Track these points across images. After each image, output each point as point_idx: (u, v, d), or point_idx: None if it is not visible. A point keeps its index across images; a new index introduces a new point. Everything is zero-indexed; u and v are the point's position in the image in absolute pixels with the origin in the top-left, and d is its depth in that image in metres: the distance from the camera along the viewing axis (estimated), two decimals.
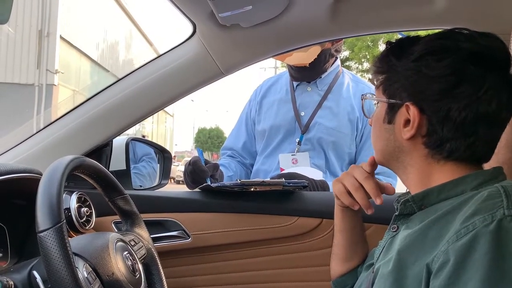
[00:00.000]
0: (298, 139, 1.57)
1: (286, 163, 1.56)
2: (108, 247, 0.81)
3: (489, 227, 0.58)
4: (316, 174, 1.49)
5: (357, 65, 15.38)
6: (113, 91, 1.25)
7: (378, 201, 0.80)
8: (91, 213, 1.09)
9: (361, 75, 13.49)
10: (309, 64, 1.58)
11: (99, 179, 0.92)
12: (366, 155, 1.55)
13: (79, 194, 1.07)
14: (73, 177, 0.85)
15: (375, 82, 0.80)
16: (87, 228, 1.06)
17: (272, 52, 1.24)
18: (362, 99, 0.87)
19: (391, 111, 0.74)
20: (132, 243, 0.93)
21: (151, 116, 1.38)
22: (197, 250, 1.25)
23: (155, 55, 1.32)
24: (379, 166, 0.83)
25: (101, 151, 1.30)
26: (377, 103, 0.79)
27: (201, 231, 1.24)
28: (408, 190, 0.78)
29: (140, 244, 0.96)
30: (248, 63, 1.25)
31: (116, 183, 0.95)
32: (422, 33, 0.80)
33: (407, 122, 0.72)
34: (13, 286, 0.71)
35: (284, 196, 1.25)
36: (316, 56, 1.56)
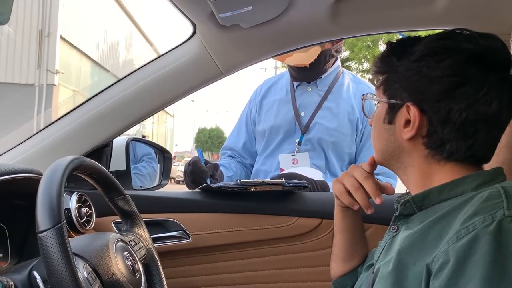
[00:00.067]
0: (298, 140, 1.57)
1: (286, 164, 1.56)
2: (108, 248, 0.81)
3: (489, 228, 0.58)
4: (316, 175, 1.49)
5: (357, 65, 15.37)
6: (113, 92, 1.25)
7: (378, 201, 0.80)
8: (91, 213, 1.09)
9: (361, 75, 13.50)
10: (309, 64, 1.58)
11: (99, 180, 0.92)
12: (366, 156, 1.55)
13: (79, 195, 1.07)
14: (73, 178, 0.85)
15: (375, 83, 0.80)
16: (87, 228, 1.06)
17: (272, 52, 1.24)
18: (362, 99, 0.87)
19: (392, 111, 0.74)
20: (132, 243, 0.93)
21: (151, 116, 1.38)
22: (197, 250, 1.25)
23: (155, 56, 1.31)
24: (379, 167, 0.83)
25: (101, 151, 1.30)
26: (378, 103, 0.79)
27: (201, 231, 1.24)
28: (408, 191, 0.78)
29: (140, 245, 0.96)
30: (248, 63, 1.25)
31: (116, 184, 0.95)
32: (423, 33, 0.80)
33: (407, 122, 0.72)
34: (13, 286, 0.71)
35: (284, 197, 1.25)
36: (316, 57, 1.56)
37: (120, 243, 0.86)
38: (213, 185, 1.24)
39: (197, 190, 1.32)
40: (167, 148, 1.67)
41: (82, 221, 1.05)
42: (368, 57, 14.52)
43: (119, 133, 1.29)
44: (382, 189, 0.85)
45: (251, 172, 1.70)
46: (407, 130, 0.72)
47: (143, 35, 21.91)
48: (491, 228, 0.58)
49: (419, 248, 0.65)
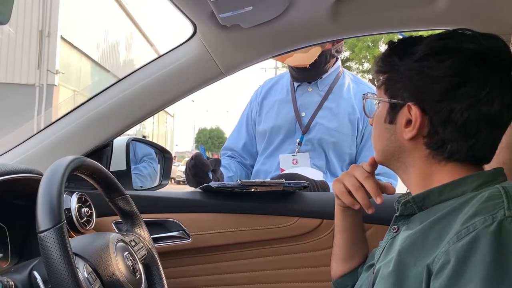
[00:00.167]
0: (299, 140, 1.57)
1: (287, 164, 1.56)
2: (109, 248, 0.81)
3: (489, 228, 0.58)
4: (316, 175, 1.49)
5: (357, 65, 15.38)
6: (113, 92, 1.25)
7: (378, 201, 0.80)
8: (91, 213, 1.09)
9: (362, 75, 13.51)
10: (310, 65, 1.58)
11: (100, 180, 0.92)
12: (367, 156, 1.55)
13: (80, 195, 1.07)
14: (73, 178, 0.85)
15: (375, 83, 0.80)
16: (87, 228, 1.06)
17: (273, 52, 1.24)
18: (363, 99, 0.87)
19: (393, 111, 0.74)
20: (133, 243, 0.93)
21: (152, 117, 1.38)
22: (197, 250, 1.25)
23: (155, 56, 1.32)
24: (379, 167, 0.83)
25: (102, 151, 1.30)
26: (379, 103, 0.79)
27: (201, 232, 1.24)
28: (408, 191, 0.78)
29: (141, 245, 0.96)
30: (248, 63, 1.25)
31: (117, 184, 0.95)
32: (424, 33, 0.80)
33: (408, 122, 0.72)
34: (13, 286, 0.71)
35: (285, 197, 1.25)
36: (316, 57, 1.56)
37: (120, 243, 0.86)
38: (214, 185, 1.24)
39: (197, 190, 1.32)
40: (167, 148, 1.67)
41: (82, 221, 1.05)
42: (369, 57, 14.53)
43: (119, 133, 1.29)
44: (382, 188, 0.85)
45: (251, 172, 1.70)
46: (408, 130, 0.72)
47: (143, 35, 21.91)
48: (492, 229, 0.58)
49: (419, 248, 0.65)
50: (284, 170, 1.53)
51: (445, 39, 0.71)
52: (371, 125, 0.81)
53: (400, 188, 0.95)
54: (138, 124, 1.34)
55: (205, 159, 1.40)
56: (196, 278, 1.27)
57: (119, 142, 1.37)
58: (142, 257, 0.94)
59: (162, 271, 0.99)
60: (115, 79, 1.28)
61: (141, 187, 1.51)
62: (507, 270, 0.56)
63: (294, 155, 1.57)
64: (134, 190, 1.36)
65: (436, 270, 0.60)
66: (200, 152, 1.43)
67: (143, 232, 1.00)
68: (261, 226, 1.23)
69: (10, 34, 12.24)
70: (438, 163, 0.71)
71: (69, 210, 1.02)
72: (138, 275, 0.85)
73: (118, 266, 0.80)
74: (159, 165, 1.59)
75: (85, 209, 1.07)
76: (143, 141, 1.71)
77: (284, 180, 1.22)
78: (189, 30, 1.18)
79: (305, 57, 1.55)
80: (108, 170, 0.96)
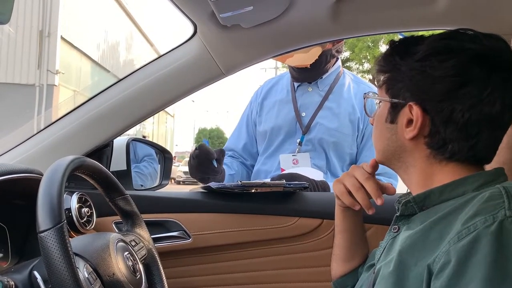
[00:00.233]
0: (299, 140, 1.57)
1: (287, 164, 1.56)
2: (109, 248, 0.81)
3: (490, 228, 0.58)
4: (316, 175, 1.49)
5: (357, 65, 15.38)
6: (113, 92, 1.25)
7: (379, 202, 0.80)
8: (91, 213, 1.09)
9: (362, 75, 13.50)
10: (310, 65, 1.58)
11: (100, 180, 0.92)
12: (367, 156, 1.55)
13: (80, 195, 1.07)
14: (73, 178, 0.85)
15: (375, 83, 0.80)
16: (87, 228, 1.06)
17: (273, 52, 1.24)
18: (364, 98, 0.87)
19: (394, 110, 0.74)
20: (133, 243, 0.93)
21: (152, 117, 1.38)
22: (197, 250, 1.25)
23: (156, 56, 1.31)
24: (380, 166, 0.83)
25: (102, 151, 1.30)
26: (379, 102, 0.79)
27: (202, 232, 1.24)
28: (409, 190, 0.78)
29: (141, 245, 0.96)
30: (249, 63, 1.25)
31: (117, 184, 0.95)
32: (425, 33, 0.80)
33: (409, 122, 0.72)
34: (13, 286, 0.71)
35: (285, 197, 1.25)
36: (317, 57, 1.56)
37: (120, 243, 0.86)
38: (214, 185, 1.24)
39: (198, 190, 1.32)
40: (167, 148, 1.67)
41: (82, 221, 1.05)
42: (369, 57, 14.53)
43: (119, 133, 1.29)
44: (383, 189, 0.84)
45: (252, 172, 1.70)
46: (409, 130, 0.71)
47: (143, 36, 21.91)
48: (492, 229, 0.58)
49: (420, 248, 0.65)
50: (284, 170, 1.53)
51: (447, 39, 0.71)
52: (372, 125, 0.81)
53: (401, 188, 0.95)
54: (138, 124, 1.34)
55: (210, 148, 1.41)
56: (197, 278, 1.27)
57: (119, 142, 1.37)
58: (142, 257, 0.94)
59: (162, 271, 0.99)
60: (115, 79, 1.28)
61: (141, 185, 1.51)
62: (507, 270, 0.56)
63: (295, 155, 1.57)
64: (134, 190, 1.36)
65: (436, 270, 0.60)
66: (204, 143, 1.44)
67: (143, 232, 1.00)
68: (262, 226, 1.23)
69: (10, 34, 12.24)
70: (439, 163, 0.71)
71: (69, 210, 1.02)
72: (139, 275, 0.85)
73: (119, 266, 0.80)
74: (159, 165, 1.59)
75: (85, 209, 1.07)
76: (143, 141, 1.71)
77: (284, 181, 1.22)
78: (189, 30, 1.18)
79: (306, 58, 1.55)
80: (108, 170, 0.96)
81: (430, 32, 0.77)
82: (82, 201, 1.07)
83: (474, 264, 0.57)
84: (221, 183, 1.43)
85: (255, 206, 1.24)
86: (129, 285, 0.79)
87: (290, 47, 1.23)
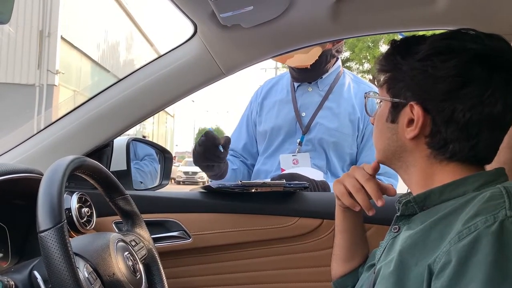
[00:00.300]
0: (299, 140, 1.57)
1: (287, 164, 1.56)
2: (109, 247, 0.81)
3: (491, 228, 0.58)
4: (317, 175, 1.49)
5: (357, 65, 15.39)
6: (113, 92, 1.25)
7: (379, 203, 0.80)
8: (91, 213, 1.09)
9: (362, 76, 13.50)
10: (310, 65, 1.58)
11: (100, 180, 0.92)
12: (367, 156, 1.55)
13: (80, 194, 1.07)
14: (74, 177, 0.85)
15: (376, 83, 0.80)
16: (87, 228, 1.06)
17: (273, 52, 1.24)
18: (365, 97, 0.87)
19: (395, 110, 0.74)
20: (133, 243, 0.93)
21: (152, 117, 1.38)
22: (197, 250, 1.25)
23: (156, 56, 1.31)
24: (381, 167, 0.83)
25: (102, 151, 1.30)
26: (380, 101, 0.78)
27: (202, 232, 1.24)
28: (409, 190, 0.78)
29: (141, 245, 0.96)
30: (249, 63, 1.25)
31: (117, 184, 0.95)
32: (425, 33, 0.80)
33: (410, 121, 0.71)
34: (13, 286, 0.70)
35: (285, 197, 1.25)
36: (317, 57, 1.56)
37: (120, 243, 0.86)
38: (214, 185, 1.24)
39: (198, 190, 1.32)
40: (167, 148, 1.67)
41: (82, 221, 1.05)
42: (369, 57, 14.54)
43: (119, 133, 1.29)
44: (383, 190, 0.84)
45: (252, 171, 1.70)
46: (410, 130, 0.71)
47: (143, 35, 21.92)
48: (493, 229, 0.58)
49: (420, 248, 0.65)
50: (284, 170, 1.53)
51: (449, 39, 0.71)
52: (373, 124, 0.81)
53: (401, 188, 0.95)
54: (138, 124, 1.34)
55: (216, 135, 1.40)
56: (197, 278, 1.27)
57: (120, 142, 1.37)
58: (142, 257, 0.94)
59: (162, 271, 0.99)
60: (115, 79, 1.28)
61: (142, 183, 1.51)
62: (508, 270, 0.56)
63: (295, 155, 1.57)
64: (134, 190, 1.36)
65: (437, 270, 0.60)
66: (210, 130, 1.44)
67: (143, 232, 1.00)
68: (262, 226, 1.23)
69: (10, 34, 12.24)
70: (439, 163, 0.71)
71: (69, 210, 1.02)
72: (139, 275, 0.85)
73: (119, 266, 0.80)
74: (159, 165, 1.59)
75: (86, 209, 1.07)
76: (144, 141, 1.71)
77: (284, 181, 1.22)
78: (190, 30, 1.18)
79: (306, 58, 1.55)
80: (109, 170, 0.96)
81: (431, 32, 0.76)
82: (82, 201, 1.07)
83: (474, 264, 0.57)
84: (221, 183, 1.43)
85: (255, 206, 1.24)
86: (129, 285, 0.79)
87: (290, 47, 1.23)
